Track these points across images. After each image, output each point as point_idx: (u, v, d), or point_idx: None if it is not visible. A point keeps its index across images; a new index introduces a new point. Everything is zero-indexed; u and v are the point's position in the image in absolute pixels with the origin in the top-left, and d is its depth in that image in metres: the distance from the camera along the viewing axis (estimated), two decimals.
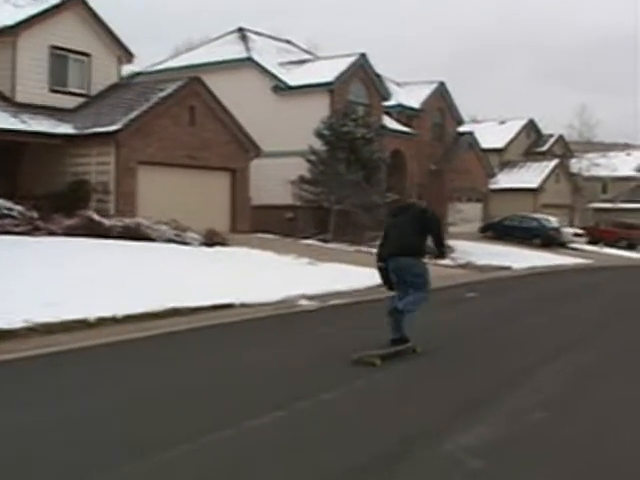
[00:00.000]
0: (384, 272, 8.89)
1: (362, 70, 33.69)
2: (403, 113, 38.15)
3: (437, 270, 21.59)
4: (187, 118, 25.33)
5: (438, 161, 39.97)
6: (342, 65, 33.20)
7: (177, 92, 25.08)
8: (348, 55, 34.12)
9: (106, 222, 19.48)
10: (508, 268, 24.37)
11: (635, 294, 18.17)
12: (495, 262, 25.15)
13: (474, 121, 58.51)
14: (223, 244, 20.78)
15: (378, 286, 15.90)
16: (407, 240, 8.67)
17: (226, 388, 6.79)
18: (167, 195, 24.14)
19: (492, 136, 53.49)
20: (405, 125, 37.47)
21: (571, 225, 48.26)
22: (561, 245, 38.73)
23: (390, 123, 36.15)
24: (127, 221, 19.69)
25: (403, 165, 36.48)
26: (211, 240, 20.70)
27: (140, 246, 18.09)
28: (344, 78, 32.57)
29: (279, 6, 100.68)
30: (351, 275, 16.69)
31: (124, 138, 23.15)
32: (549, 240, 37.31)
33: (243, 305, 12.12)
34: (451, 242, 30.29)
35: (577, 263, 30.40)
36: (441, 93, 40.75)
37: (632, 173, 64.18)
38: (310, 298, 13.36)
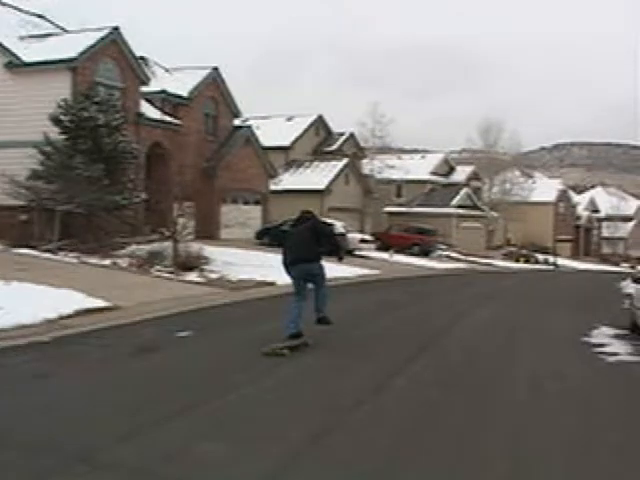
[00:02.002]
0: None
1: (115, 47, 30.03)
2: (168, 101, 34.61)
3: (175, 289, 18.22)
4: None
5: (210, 157, 36.61)
6: (90, 40, 29.15)
7: None
8: (99, 29, 30.09)
9: None
10: (272, 284, 21.25)
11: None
12: (258, 276, 21.97)
13: (262, 117, 55.75)
14: None
15: (61, 318, 12.38)
16: (305, 248, 10.86)
17: None
18: None
19: (278, 133, 51.13)
20: (170, 115, 33.81)
21: (361, 230, 46.51)
22: (347, 253, 36.39)
23: (151, 111, 32.37)
24: None
25: (165, 160, 32.83)
26: None
27: None
28: (91, 55, 28.83)
29: None
30: (38, 301, 12.73)
31: None
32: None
33: None
34: (211, 249, 27.10)
35: (361, 274, 28.04)
36: (214, 81, 37.52)
37: (427, 176, 64.11)
38: None
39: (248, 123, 51.90)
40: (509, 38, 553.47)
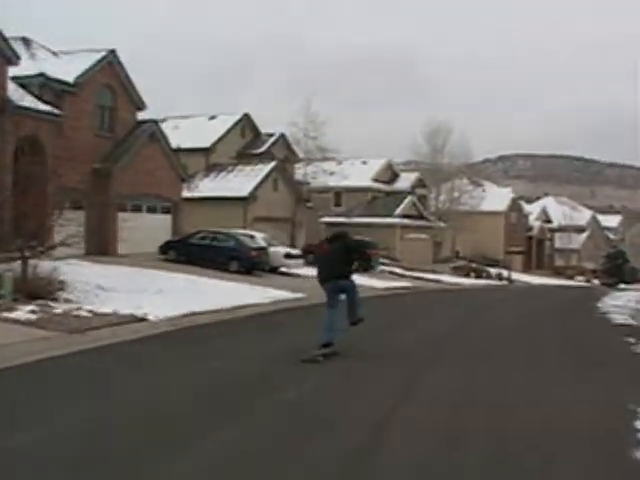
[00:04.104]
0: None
1: None
2: (48, 87, 28.31)
3: None
4: None
5: (105, 156, 30.45)
6: None
7: None
8: None
9: None
10: (143, 319, 15.19)
11: None
12: (131, 307, 15.96)
13: (182, 117, 49.72)
14: None
15: None
16: (337, 267, 11.83)
17: None
18: None
19: (199, 133, 45.21)
20: (50, 104, 27.53)
21: (292, 244, 40.68)
22: (272, 270, 30.64)
23: (25, 99, 26.10)
24: None
25: (42, 159, 26.43)
26: None
27: None
28: None
29: None
30: None
31: None
32: (251, 264, 29.00)
33: None
34: (91, 269, 21.36)
35: (278, 299, 21.98)
36: (110, 65, 31.39)
37: (369, 183, 58.79)
38: None
39: (167, 123, 46.14)
40: (450, 51, 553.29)
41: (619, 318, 20.56)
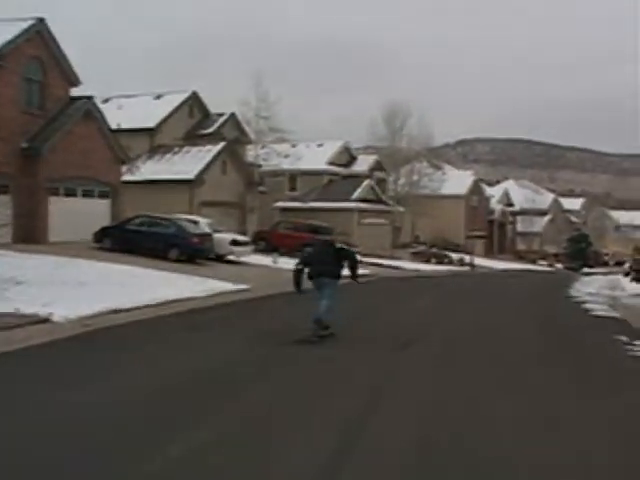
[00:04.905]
0: (298, 275, 12.85)
1: None
2: None
3: None
4: None
5: (34, 135, 27.97)
6: None
7: None
8: None
9: None
10: (45, 321, 12.93)
11: None
12: (37, 306, 13.68)
13: (127, 96, 47.10)
14: None
15: None
16: (329, 267, 12.71)
17: None
18: None
19: (144, 113, 42.68)
20: None
21: (243, 230, 38.47)
22: (218, 259, 28.47)
23: None
24: None
25: None
26: None
27: None
28: None
29: None
30: None
31: None
32: (192, 252, 26.80)
33: None
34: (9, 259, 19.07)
35: (218, 292, 19.79)
36: (39, 36, 28.83)
37: (325, 166, 56.62)
38: None
39: (110, 102, 43.70)
40: (410, 35, 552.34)
41: (598, 309, 18.83)
